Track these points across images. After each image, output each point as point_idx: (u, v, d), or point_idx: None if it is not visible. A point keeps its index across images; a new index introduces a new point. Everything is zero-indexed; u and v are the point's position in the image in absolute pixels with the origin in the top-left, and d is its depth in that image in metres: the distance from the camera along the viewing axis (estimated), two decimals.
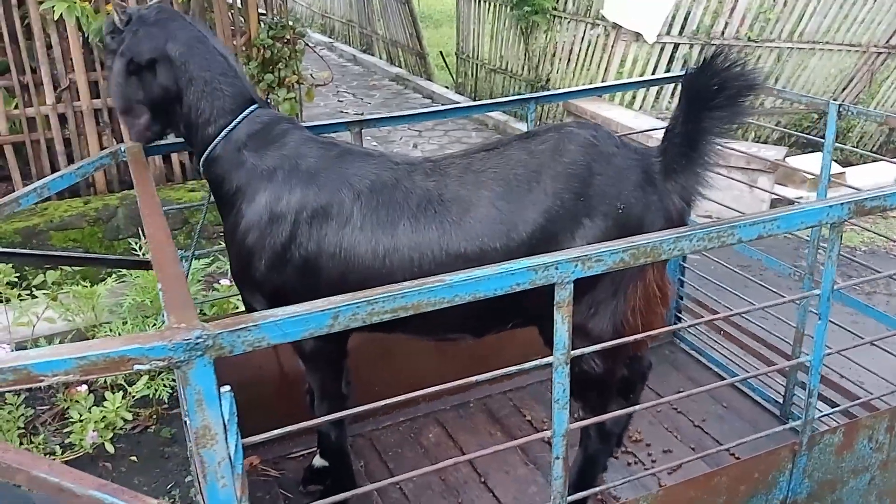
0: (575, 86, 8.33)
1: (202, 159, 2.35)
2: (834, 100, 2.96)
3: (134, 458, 3.65)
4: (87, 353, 1.26)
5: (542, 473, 2.91)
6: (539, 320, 2.21)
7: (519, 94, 9.21)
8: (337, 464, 2.63)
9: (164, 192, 5.93)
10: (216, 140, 2.29)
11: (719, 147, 2.10)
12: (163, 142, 2.50)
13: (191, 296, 1.43)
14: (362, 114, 10.21)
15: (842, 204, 1.78)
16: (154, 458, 3.70)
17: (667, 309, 2.34)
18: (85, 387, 3.54)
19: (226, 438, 1.35)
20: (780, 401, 3.15)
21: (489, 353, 3.28)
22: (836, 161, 7.92)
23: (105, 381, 3.70)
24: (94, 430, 3.40)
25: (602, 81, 7.96)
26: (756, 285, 3.53)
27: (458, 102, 9.95)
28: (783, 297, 3.16)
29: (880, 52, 8.69)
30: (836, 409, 2.21)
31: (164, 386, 3.71)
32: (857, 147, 8.50)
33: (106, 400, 3.47)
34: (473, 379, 1.65)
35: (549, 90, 8.72)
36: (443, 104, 10.39)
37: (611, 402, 2.39)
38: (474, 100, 10.16)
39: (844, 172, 6.87)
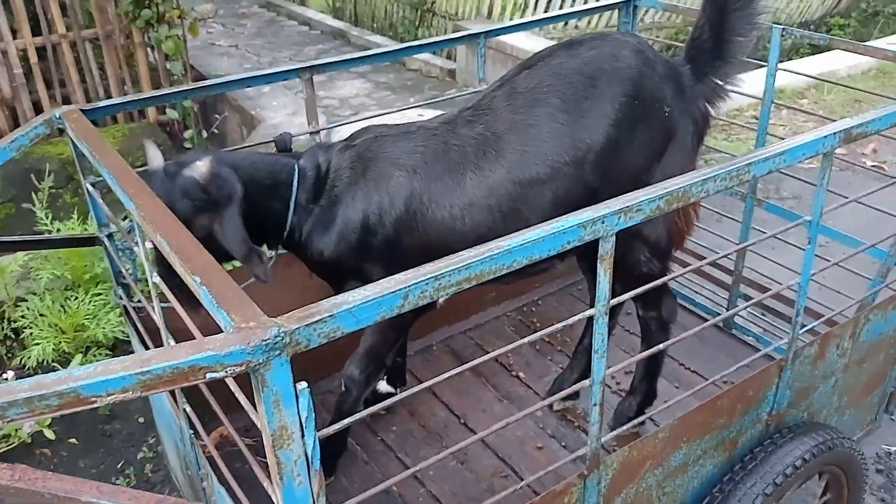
0: (462, 8, 8.20)
1: (284, 240, 2.33)
2: None
3: (74, 440, 3.43)
4: (149, 366, 1.14)
5: (517, 407, 2.97)
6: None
7: (404, 17, 8.97)
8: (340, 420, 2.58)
9: (43, 148, 5.41)
10: (289, 217, 2.26)
11: (746, 46, 2.26)
12: (104, 103, 2.24)
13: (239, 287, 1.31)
14: (237, 45, 9.65)
15: (834, 133, 1.86)
16: (95, 437, 3.49)
17: (699, 210, 2.53)
18: (11, 372, 3.25)
19: (303, 436, 1.27)
20: (723, 312, 3.33)
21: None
22: None
23: (32, 364, 3.41)
24: None
25: (490, 4, 7.87)
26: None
27: (339, 28, 9.58)
28: (716, 212, 3.33)
29: None
30: (806, 327, 2.35)
31: (97, 359, 3.46)
32: None
33: None
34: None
35: (435, 13, 8.53)
36: (322, 31, 9.98)
37: (665, 295, 2.56)
38: (355, 24, 9.80)
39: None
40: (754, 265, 3.30)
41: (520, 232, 1.45)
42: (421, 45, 2.81)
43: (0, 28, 5.23)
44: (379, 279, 1.30)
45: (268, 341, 1.16)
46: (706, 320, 3.41)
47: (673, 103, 2.25)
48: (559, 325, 1.63)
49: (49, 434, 3.26)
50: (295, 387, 1.23)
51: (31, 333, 3.48)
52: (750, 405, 2.18)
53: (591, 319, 1.62)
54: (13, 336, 3.73)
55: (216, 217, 2.04)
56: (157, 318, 1.86)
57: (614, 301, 1.65)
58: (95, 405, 1.17)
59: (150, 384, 1.15)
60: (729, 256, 3.29)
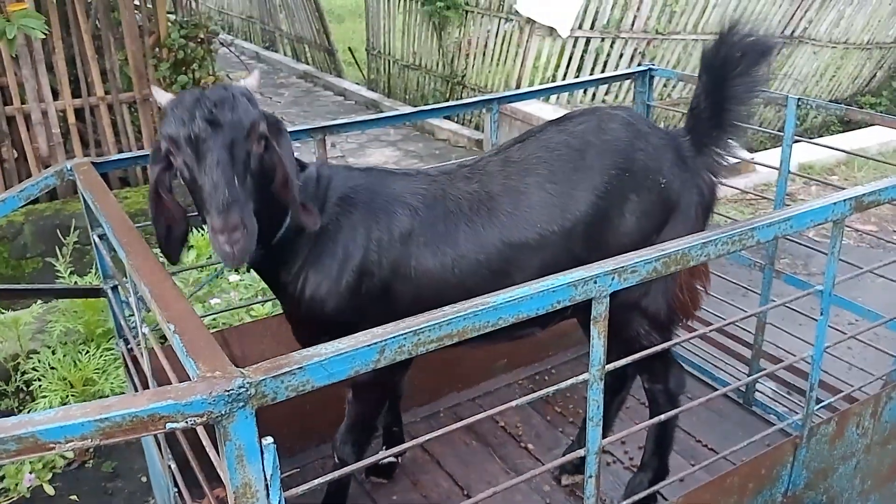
0: (492, 81, 8.35)
1: (274, 248, 2.07)
2: None
3: (74, 497, 3.37)
4: (108, 413, 1.10)
5: (525, 481, 2.85)
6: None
7: (435, 90, 9.14)
8: (337, 491, 2.49)
9: (73, 205, 5.54)
10: (285, 224, 2.05)
11: (746, 115, 2.22)
12: (115, 157, 2.28)
13: (212, 336, 1.28)
14: (273, 112, 9.90)
15: (844, 201, 1.80)
16: (97, 495, 3.43)
17: (708, 285, 2.41)
18: None
19: (267, 495, 1.22)
20: (743, 389, 3.21)
21: (455, 360, 3.22)
22: (740, 146, 8.28)
23: None
24: (30, 472, 3.10)
25: (518, 76, 8.00)
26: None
27: (373, 99, 9.80)
28: (742, 286, 3.25)
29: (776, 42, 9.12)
30: (822, 403, 2.25)
31: None
32: (756, 132, 8.91)
33: None
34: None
35: (465, 85, 8.70)
36: (356, 101, 10.21)
37: (671, 366, 2.46)
38: (388, 96, 10.02)
39: (754, 158, 7.16)
40: (781, 342, 3.19)
41: (508, 289, 1.41)
42: (434, 110, 2.84)
43: (42, 89, 5.43)
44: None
45: (231, 392, 1.12)
46: (727, 396, 3.31)
47: (671, 174, 2.20)
48: (551, 389, 1.57)
49: (49, 490, 3.21)
50: (260, 441, 1.19)
51: (41, 386, 3.48)
52: (763, 484, 2.06)
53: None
54: (24, 388, 3.73)
55: (273, 136, 1.87)
56: (146, 367, 1.83)
57: (610, 366, 1.58)
58: (54, 451, 1.13)
59: (110, 432, 1.11)
60: (747, 329, 3.19)
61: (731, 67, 2.16)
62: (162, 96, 1.90)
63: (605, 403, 2.80)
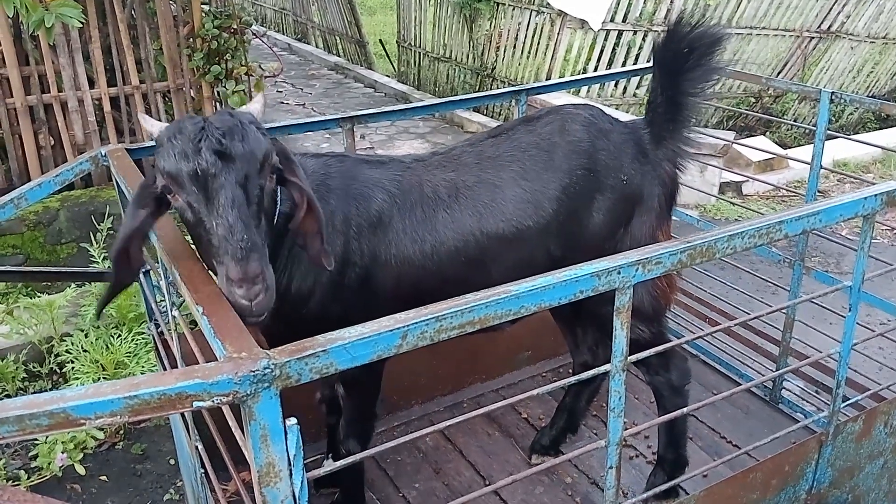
0: (522, 74, 8.32)
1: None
2: None
3: (104, 477, 3.45)
4: (137, 391, 1.13)
5: (546, 472, 2.86)
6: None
7: (465, 82, 9.14)
8: (352, 479, 2.52)
9: (108, 192, 5.64)
10: (277, 207, 1.83)
11: (700, 106, 2.27)
12: (149, 143, 2.32)
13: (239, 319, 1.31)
14: (304, 104, 9.97)
15: (875, 195, 1.78)
16: (126, 476, 3.50)
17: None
18: None
19: (290, 475, 1.24)
20: (770, 386, 3.18)
21: (479, 351, 3.24)
22: (774, 142, 8.16)
23: None
24: (63, 452, 3.18)
25: (549, 69, 7.97)
26: (733, 269, 3.56)
27: (403, 91, 9.82)
28: (771, 282, 3.22)
29: (812, 37, 8.98)
30: (849, 401, 2.23)
31: None
32: (791, 128, 8.78)
33: None
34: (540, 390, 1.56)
35: (495, 78, 8.68)
36: (386, 93, 10.24)
37: (672, 358, 2.44)
38: (418, 88, 10.04)
39: (788, 154, 7.05)
40: (812, 342, 3.15)
41: (531, 278, 1.41)
42: (462, 100, 2.84)
43: (78, 78, 5.53)
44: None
45: (256, 372, 1.15)
46: (754, 394, 3.28)
47: (632, 169, 2.24)
48: (572, 379, 1.57)
49: (80, 469, 3.28)
50: (284, 422, 1.21)
51: (73, 368, 3.56)
52: (786, 481, 2.05)
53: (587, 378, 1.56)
54: (58, 370, 3.82)
55: (285, 166, 1.72)
56: (175, 349, 1.87)
57: (632, 357, 1.58)
58: (85, 427, 1.17)
59: (138, 409, 1.14)
60: (776, 326, 3.16)
61: (682, 62, 2.19)
62: (152, 125, 1.68)
63: (575, 393, 2.83)
